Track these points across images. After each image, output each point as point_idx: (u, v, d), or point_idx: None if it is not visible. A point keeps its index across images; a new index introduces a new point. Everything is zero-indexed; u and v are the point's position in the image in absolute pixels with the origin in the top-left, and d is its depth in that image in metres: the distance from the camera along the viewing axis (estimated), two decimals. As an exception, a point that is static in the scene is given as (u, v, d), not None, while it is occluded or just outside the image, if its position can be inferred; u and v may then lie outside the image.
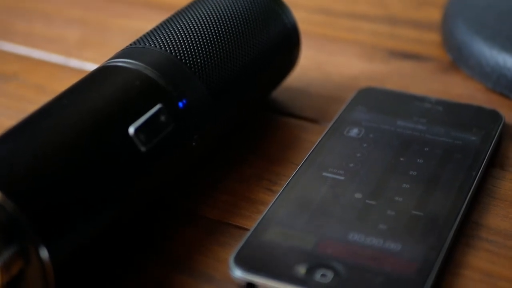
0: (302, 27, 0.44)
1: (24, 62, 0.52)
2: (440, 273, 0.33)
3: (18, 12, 0.59)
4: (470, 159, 0.39)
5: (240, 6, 0.41)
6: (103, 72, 0.36)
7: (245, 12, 0.41)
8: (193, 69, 0.37)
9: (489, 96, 0.46)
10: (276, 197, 0.36)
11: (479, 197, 0.37)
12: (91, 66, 0.50)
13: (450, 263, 0.34)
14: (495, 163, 0.40)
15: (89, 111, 0.33)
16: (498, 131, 0.41)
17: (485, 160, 0.39)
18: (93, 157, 0.31)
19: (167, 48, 0.37)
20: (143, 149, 0.33)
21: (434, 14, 0.54)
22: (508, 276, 0.33)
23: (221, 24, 0.39)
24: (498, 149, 0.41)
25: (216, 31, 0.39)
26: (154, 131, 0.33)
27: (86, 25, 0.56)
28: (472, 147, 0.39)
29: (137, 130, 0.33)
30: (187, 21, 0.39)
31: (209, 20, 0.39)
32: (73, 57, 0.52)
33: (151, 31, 0.39)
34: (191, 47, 0.37)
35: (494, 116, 0.42)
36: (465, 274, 0.33)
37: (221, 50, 0.38)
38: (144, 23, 0.50)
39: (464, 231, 0.35)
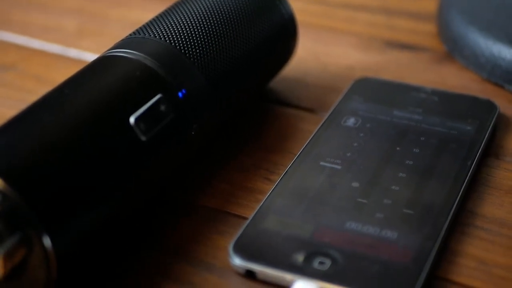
0: (299, 17, 0.44)
1: (23, 52, 0.52)
2: (436, 261, 0.33)
3: (16, 2, 0.59)
4: (465, 148, 0.39)
5: (238, -3, 0.41)
6: (103, 62, 0.36)
7: (243, 3, 0.41)
8: (192, 59, 0.37)
9: (484, 86, 0.46)
10: (274, 186, 0.37)
11: (474, 186, 0.38)
12: (89, 56, 0.50)
13: (446, 251, 0.34)
14: (490, 152, 0.40)
15: (90, 101, 0.33)
16: (493, 121, 0.41)
17: (480, 150, 0.39)
18: (95, 146, 0.32)
19: (167, 39, 0.37)
20: (143, 138, 0.33)
21: (430, 5, 0.55)
22: (502, 263, 0.34)
23: (220, 14, 0.40)
24: (493, 139, 0.41)
25: (215, 22, 0.39)
26: (154, 120, 0.34)
27: (84, 15, 0.57)
28: (467, 136, 0.40)
29: (137, 120, 0.33)
30: (186, 12, 0.39)
31: (207, 11, 0.40)
32: (71, 46, 0.52)
33: (150, 21, 0.39)
34: (190, 37, 0.38)
35: (489, 106, 0.43)
36: (460, 262, 0.34)
37: (219, 41, 0.39)
38: (142, 12, 0.51)
39: (459, 219, 0.36)
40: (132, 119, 0.33)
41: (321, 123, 0.41)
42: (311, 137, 0.40)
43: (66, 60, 0.51)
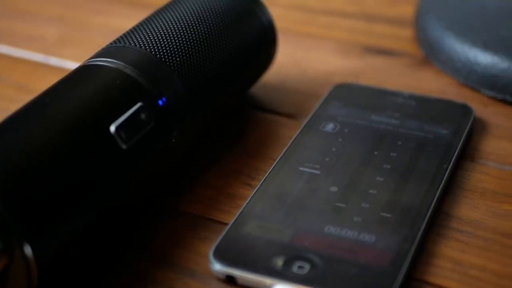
0: (278, 24, 0.45)
1: (5, 60, 0.52)
2: (413, 263, 0.34)
3: (-2, 11, 0.59)
4: (442, 152, 0.40)
5: (217, 5, 0.42)
6: (84, 71, 0.37)
7: (223, 11, 0.42)
8: (172, 67, 0.38)
9: (461, 91, 0.47)
10: (254, 191, 0.37)
11: (450, 188, 0.39)
12: (70, 64, 0.51)
13: (423, 253, 0.35)
14: (465, 155, 0.41)
15: (70, 110, 0.33)
16: (469, 124, 0.42)
17: (456, 153, 0.40)
18: (76, 155, 0.32)
19: (147, 47, 0.38)
20: (124, 146, 0.34)
21: (408, 11, 0.56)
22: (478, 264, 0.34)
23: (199, 22, 0.40)
24: (469, 142, 0.42)
25: (195, 30, 0.40)
26: (135, 129, 0.34)
27: (66, 23, 0.57)
28: (444, 140, 0.41)
29: (118, 128, 0.34)
30: (166, 20, 0.40)
31: (187, 19, 0.40)
32: (53, 55, 0.52)
33: (130, 30, 0.40)
34: (170, 45, 0.38)
35: (465, 110, 0.43)
36: (436, 263, 0.34)
37: (199, 48, 0.39)
38: (123, 20, 0.51)
39: (436, 221, 0.36)
40: (112, 128, 0.33)
41: (300, 129, 0.42)
42: (290, 142, 0.41)
43: (48, 68, 0.51)
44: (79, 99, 0.34)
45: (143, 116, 0.35)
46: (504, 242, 0.35)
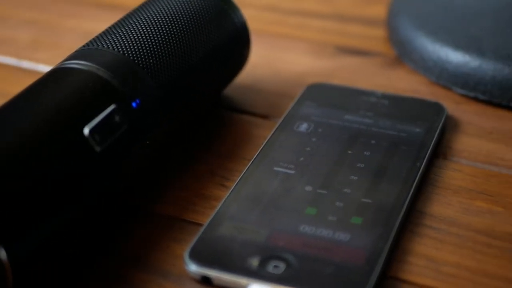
0: (251, 24, 0.45)
1: (-24, 64, 0.52)
2: (388, 261, 0.34)
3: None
4: (415, 150, 0.40)
5: (190, 6, 0.42)
6: (56, 74, 0.36)
7: (195, 12, 0.42)
8: (145, 69, 0.38)
9: (433, 89, 0.48)
10: (229, 192, 0.37)
11: (423, 186, 0.39)
12: (43, 68, 0.51)
13: (397, 250, 0.35)
14: (438, 153, 0.41)
15: (43, 113, 0.33)
16: (441, 122, 0.43)
17: (429, 151, 0.40)
18: (49, 158, 0.32)
19: (120, 49, 0.38)
20: (98, 149, 0.34)
21: (380, 11, 0.56)
22: (451, 261, 0.35)
23: (172, 24, 0.40)
24: (441, 140, 0.42)
25: (167, 31, 0.40)
26: (109, 131, 0.34)
27: (38, 26, 0.57)
28: (417, 138, 0.41)
29: (92, 131, 0.33)
30: (138, 22, 0.40)
31: (160, 21, 0.40)
32: (25, 58, 0.52)
33: (103, 32, 0.40)
34: (143, 47, 0.38)
35: (437, 108, 0.44)
36: (411, 260, 0.35)
37: (172, 50, 0.39)
38: (95, 23, 0.51)
39: (410, 219, 0.37)
40: (86, 130, 0.33)
41: (274, 129, 0.42)
42: (264, 143, 0.41)
43: (20, 72, 0.51)
44: (52, 102, 0.34)
45: (116, 118, 0.35)
46: (477, 238, 0.36)
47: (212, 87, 0.43)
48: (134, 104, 0.36)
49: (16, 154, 0.31)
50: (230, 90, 0.47)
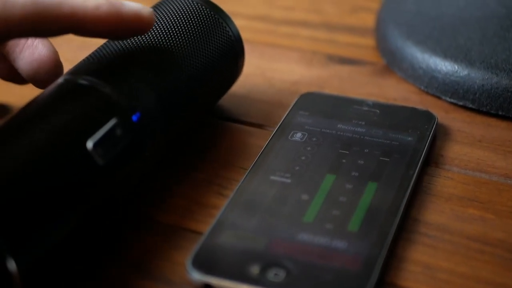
0: (243, 34, 0.46)
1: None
2: (384, 267, 0.35)
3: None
4: (407, 158, 0.41)
5: (185, 19, 0.42)
6: (57, 89, 0.37)
7: (191, 25, 0.42)
8: (144, 82, 0.38)
9: (423, 98, 0.49)
10: (228, 201, 0.38)
11: (417, 194, 0.40)
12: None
13: (393, 257, 0.36)
14: (430, 161, 0.42)
15: (47, 128, 0.34)
16: (432, 130, 0.44)
17: (421, 159, 0.41)
18: (54, 172, 0.33)
19: (119, 63, 0.38)
20: (101, 162, 0.34)
21: (368, 20, 0.57)
22: (446, 268, 0.36)
23: (169, 37, 0.41)
24: (433, 148, 0.43)
25: (164, 44, 0.40)
26: (111, 145, 0.35)
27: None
28: (409, 147, 0.42)
29: (95, 145, 0.34)
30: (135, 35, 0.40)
31: (157, 34, 0.41)
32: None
33: (102, 46, 0.40)
34: (141, 60, 0.39)
35: (427, 116, 0.45)
36: (406, 267, 0.36)
37: (170, 63, 0.40)
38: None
39: (404, 227, 0.38)
40: (90, 144, 0.34)
41: (269, 139, 0.43)
42: (260, 152, 0.42)
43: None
44: (54, 116, 0.35)
45: (118, 131, 0.36)
46: (470, 245, 0.37)
47: (209, 98, 0.44)
48: (134, 118, 0.37)
49: (21, 167, 0.32)
50: (224, 100, 0.48)
